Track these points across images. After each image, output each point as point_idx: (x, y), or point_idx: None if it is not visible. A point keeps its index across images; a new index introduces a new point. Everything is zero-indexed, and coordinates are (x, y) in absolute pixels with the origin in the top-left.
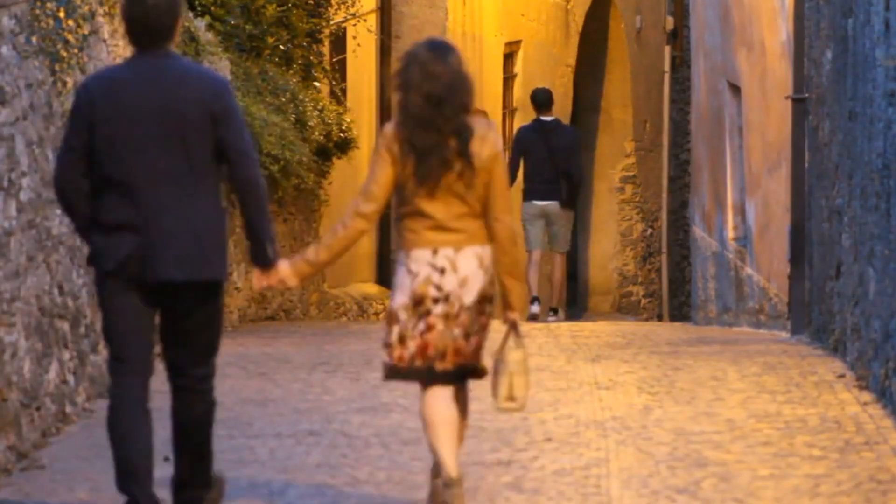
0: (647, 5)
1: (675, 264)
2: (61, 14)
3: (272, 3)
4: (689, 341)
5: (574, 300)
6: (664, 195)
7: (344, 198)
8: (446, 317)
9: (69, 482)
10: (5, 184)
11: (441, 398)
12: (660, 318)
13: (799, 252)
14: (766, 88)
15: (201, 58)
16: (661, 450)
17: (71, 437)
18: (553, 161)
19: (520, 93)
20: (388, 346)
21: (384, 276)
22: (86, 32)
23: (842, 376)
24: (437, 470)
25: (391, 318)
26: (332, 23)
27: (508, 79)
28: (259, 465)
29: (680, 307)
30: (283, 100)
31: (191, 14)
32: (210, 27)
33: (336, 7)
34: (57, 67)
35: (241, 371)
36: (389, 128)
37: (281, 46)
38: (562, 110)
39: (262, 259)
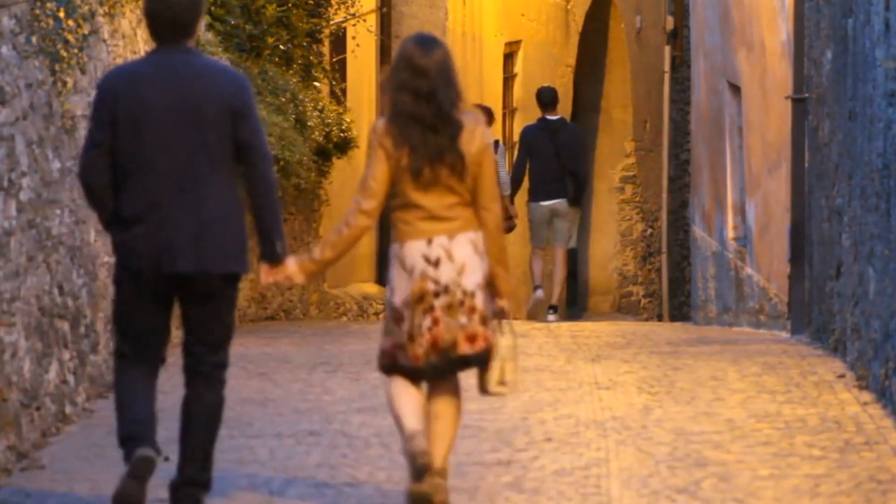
0: (647, 5)
1: (675, 264)
2: (61, 14)
3: (272, 3)
4: (689, 341)
5: (574, 300)
6: (664, 195)
7: (344, 198)
8: (449, 307)
9: (69, 482)
10: (5, 184)
11: (445, 390)
12: (660, 318)
13: (799, 252)
14: (766, 88)
15: None
16: (661, 450)
17: (71, 437)
18: (559, 160)
19: (520, 93)
20: (399, 346)
21: (384, 276)
22: (86, 32)
23: (842, 376)
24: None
25: (397, 317)
26: (332, 23)
27: (508, 79)
28: (259, 465)
29: (680, 307)
30: (283, 100)
31: None
32: (210, 27)
33: (336, 7)
34: (57, 67)
35: (241, 371)
36: (381, 123)
37: (281, 46)
38: (562, 110)
39: (270, 255)
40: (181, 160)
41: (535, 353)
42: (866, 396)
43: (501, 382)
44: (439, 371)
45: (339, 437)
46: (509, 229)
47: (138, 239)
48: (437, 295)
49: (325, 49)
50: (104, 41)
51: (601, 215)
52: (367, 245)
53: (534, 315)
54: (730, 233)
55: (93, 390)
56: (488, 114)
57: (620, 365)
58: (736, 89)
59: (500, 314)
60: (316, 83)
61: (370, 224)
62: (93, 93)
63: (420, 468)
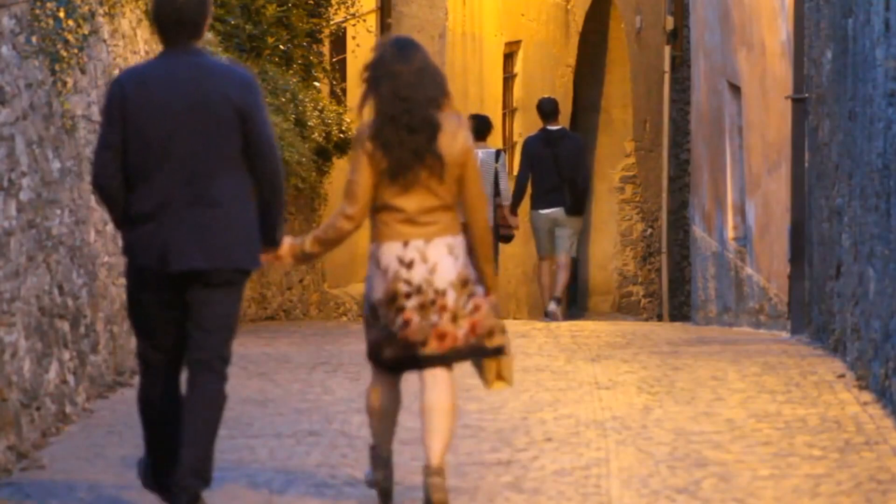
0: (647, 5)
1: (675, 264)
2: (61, 14)
3: (272, 3)
4: (689, 341)
5: (574, 300)
6: (664, 195)
7: None
8: (421, 307)
9: (69, 482)
10: (5, 184)
11: (436, 384)
12: (660, 318)
13: (799, 252)
14: (766, 88)
15: None
16: (661, 450)
17: (71, 437)
18: (559, 169)
19: (520, 93)
20: (381, 340)
21: None
22: (86, 32)
23: (842, 376)
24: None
25: (374, 315)
26: (332, 23)
27: (508, 79)
28: (259, 465)
29: (680, 307)
30: (283, 100)
31: None
32: (210, 27)
33: (336, 7)
34: (57, 67)
35: (241, 371)
36: (363, 127)
37: (281, 46)
38: (562, 110)
39: (269, 240)
40: (191, 159)
41: (535, 353)
42: (866, 396)
43: (500, 378)
44: (412, 366)
45: (339, 437)
46: (508, 238)
47: (148, 237)
48: (408, 296)
49: (325, 49)
50: (104, 41)
51: (601, 215)
52: (367, 245)
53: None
54: (730, 233)
55: (93, 390)
56: (486, 123)
57: (620, 365)
58: (736, 89)
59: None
60: (316, 83)
61: (354, 227)
62: (93, 93)
63: (374, 485)
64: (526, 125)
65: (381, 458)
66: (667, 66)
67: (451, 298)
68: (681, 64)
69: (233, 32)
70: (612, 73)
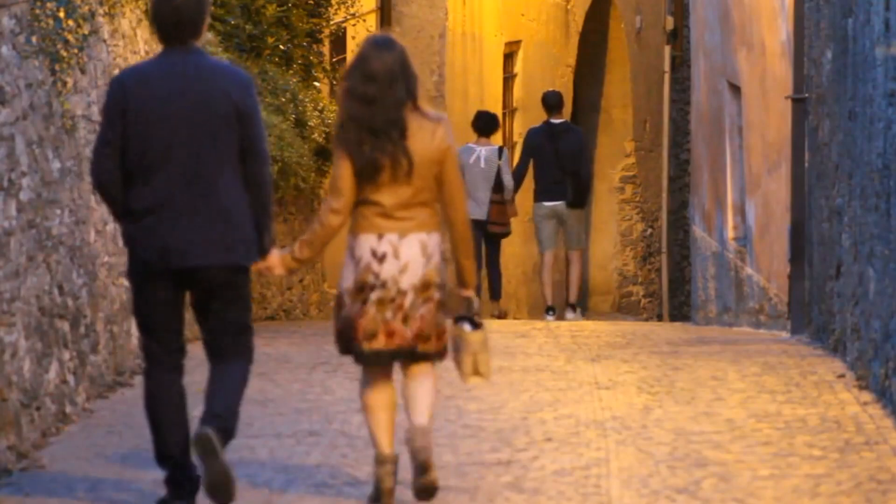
0: (647, 5)
1: (675, 264)
2: (61, 14)
3: (272, 3)
4: (689, 341)
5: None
6: (664, 195)
7: None
8: (380, 301)
9: (69, 482)
10: (5, 184)
11: (377, 381)
12: (660, 318)
13: (799, 252)
14: (766, 88)
15: None
16: (661, 450)
17: (71, 437)
18: (561, 162)
19: (520, 93)
20: (343, 326)
21: None
22: (86, 32)
23: (842, 376)
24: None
25: (339, 302)
26: (332, 23)
27: (508, 79)
28: (259, 465)
29: (680, 307)
30: (283, 100)
31: None
32: (210, 27)
33: (336, 7)
34: (57, 67)
35: None
36: (337, 125)
37: (281, 46)
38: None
39: (258, 247)
40: (189, 157)
41: (535, 353)
42: (866, 396)
43: (476, 373)
44: (370, 358)
45: (339, 437)
46: (503, 235)
47: (148, 233)
48: (373, 288)
49: (325, 49)
50: (104, 41)
51: (601, 215)
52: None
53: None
54: (730, 233)
55: (93, 390)
56: (494, 120)
57: (620, 365)
58: (736, 89)
59: (469, 301)
60: (316, 83)
61: (341, 221)
62: (93, 93)
63: (379, 493)
64: (526, 125)
65: (381, 456)
66: (667, 66)
67: (408, 300)
68: (681, 64)
69: (233, 32)
70: (612, 73)
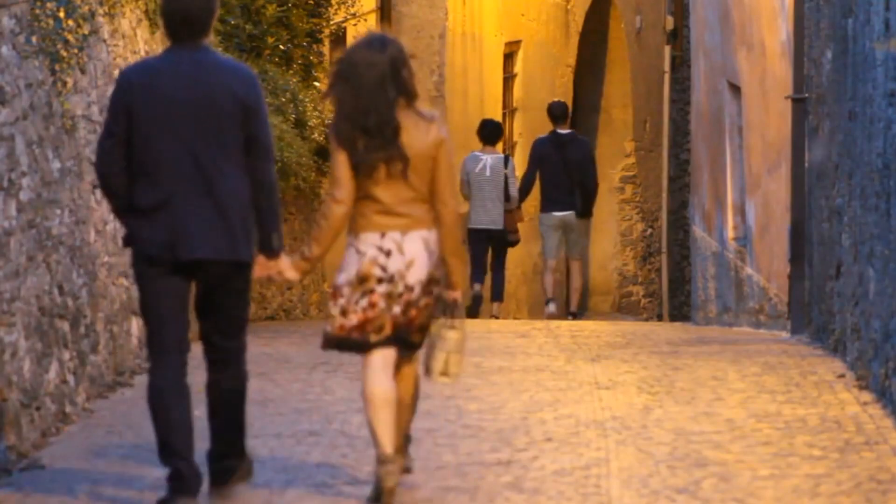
0: (647, 5)
1: (675, 264)
2: (61, 14)
3: (272, 3)
4: (689, 341)
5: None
6: (664, 195)
7: None
8: (389, 296)
9: (69, 482)
10: (5, 184)
11: (378, 372)
12: (660, 318)
13: (799, 252)
14: (766, 88)
15: None
16: (661, 450)
17: (71, 437)
18: (569, 172)
19: (520, 93)
20: (329, 317)
21: None
22: (86, 32)
23: (842, 376)
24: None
25: (335, 294)
26: (332, 23)
27: (508, 79)
28: (259, 465)
29: (680, 307)
30: (283, 100)
31: None
32: None
33: (336, 7)
34: (57, 67)
35: None
36: (332, 122)
37: (281, 46)
38: None
39: (266, 248)
40: (195, 152)
41: (535, 353)
42: (866, 396)
43: (444, 373)
44: (354, 347)
45: (339, 437)
46: (514, 242)
47: (154, 227)
48: (380, 281)
49: (325, 49)
50: (104, 41)
51: (601, 215)
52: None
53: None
54: (730, 233)
55: (93, 390)
56: (498, 129)
57: (620, 365)
58: (736, 89)
59: (453, 305)
60: (316, 83)
61: (346, 212)
62: (93, 93)
63: (380, 492)
64: (526, 125)
65: (385, 493)
66: (667, 66)
67: (415, 294)
68: (681, 64)
69: (233, 32)
70: (612, 73)
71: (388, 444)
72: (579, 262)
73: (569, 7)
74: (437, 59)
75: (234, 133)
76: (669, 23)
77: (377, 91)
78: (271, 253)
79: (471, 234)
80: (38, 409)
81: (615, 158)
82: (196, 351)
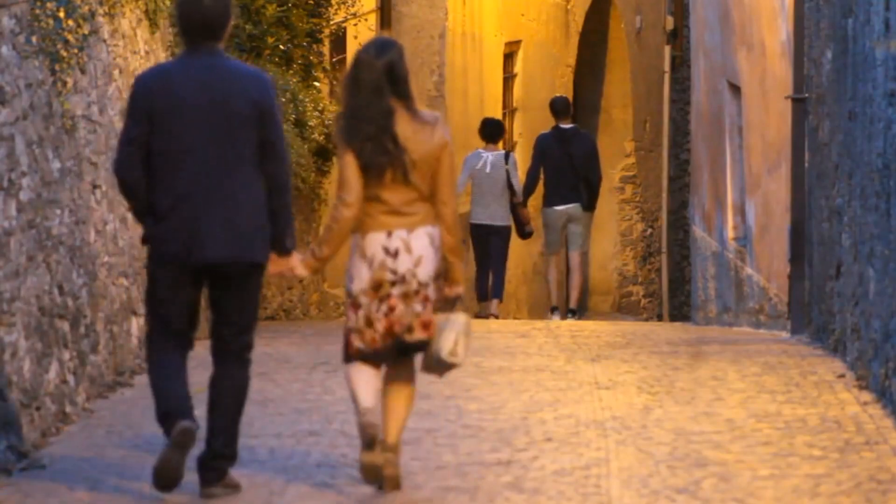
0: (647, 5)
1: (675, 264)
2: (61, 14)
3: (272, 3)
4: (689, 341)
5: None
6: (664, 195)
7: None
8: (405, 296)
9: (69, 482)
10: (5, 184)
11: (404, 369)
12: (660, 318)
13: (799, 252)
14: (766, 88)
15: None
16: (661, 450)
17: (71, 437)
18: (573, 167)
19: (520, 93)
20: (356, 330)
21: None
22: (86, 32)
23: (842, 376)
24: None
25: (354, 304)
26: (332, 23)
27: (508, 79)
28: (259, 465)
29: (680, 307)
30: (283, 100)
31: None
32: None
33: (336, 7)
34: (57, 67)
35: None
36: (338, 126)
37: (281, 46)
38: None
39: (279, 246)
40: (212, 155)
41: (535, 353)
42: (866, 396)
43: (453, 353)
44: (393, 354)
45: (339, 437)
46: (528, 234)
47: (171, 229)
48: (393, 284)
49: (325, 49)
50: (104, 41)
51: (601, 215)
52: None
53: None
54: (730, 233)
55: (93, 390)
56: (499, 127)
57: (620, 365)
58: (736, 89)
59: (456, 300)
60: (316, 83)
61: (354, 213)
62: (93, 93)
63: (370, 439)
64: (526, 125)
65: (373, 439)
66: (667, 66)
67: (431, 290)
68: (681, 64)
69: (233, 32)
70: (612, 73)
71: (367, 399)
72: (580, 257)
73: (569, 7)
74: (437, 59)
75: (249, 136)
76: (669, 23)
77: (375, 97)
78: (284, 252)
79: (471, 230)
80: (38, 409)
81: (615, 158)
82: (198, 351)
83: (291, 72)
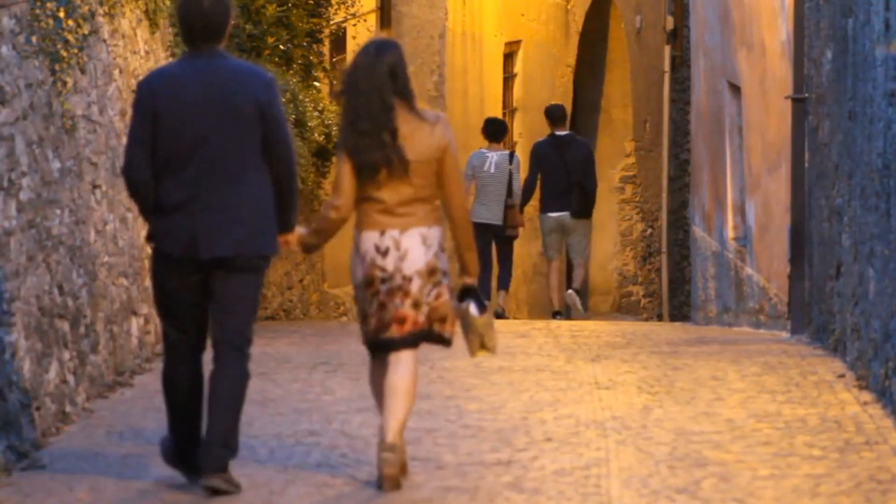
0: (647, 5)
1: (675, 264)
2: (61, 14)
3: (272, 3)
4: (689, 341)
5: None
6: (664, 195)
7: None
8: (390, 292)
9: (69, 482)
10: (5, 184)
11: (398, 366)
12: (660, 318)
13: (799, 252)
14: (766, 88)
15: None
16: (661, 450)
17: (71, 437)
18: (568, 173)
19: (520, 93)
20: (362, 320)
21: None
22: (86, 32)
23: (842, 376)
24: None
25: (356, 296)
26: (332, 23)
27: (508, 79)
28: (259, 465)
29: (680, 307)
30: (283, 100)
31: None
32: None
33: (336, 7)
34: (57, 67)
35: None
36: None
37: (281, 46)
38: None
39: (283, 225)
40: (216, 153)
41: (535, 353)
42: (866, 396)
43: (483, 348)
44: (383, 347)
45: (339, 437)
46: (510, 236)
47: (178, 226)
48: (383, 281)
49: (325, 49)
50: (104, 41)
51: (601, 215)
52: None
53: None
54: (730, 233)
55: (93, 390)
56: (502, 127)
57: (620, 365)
58: (736, 89)
59: (471, 290)
60: (316, 83)
61: (342, 217)
62: (93, 93)
63: (382, 479)
64: (526, 125)
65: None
66: (667, 66)
67: (415, 286)
68: (681, 64)
69: (233, 32)
70: (612, 73)
71: (394, 432)
72: (582, 264)
73: (569, 7)
74: (437, 59)
75: (253, 134)
76: (669, 23)
77: (375, 97)
78: (288, 230)
79: (474, 229)
80: (38, 409)
81: (615, 158)
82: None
83: (291, 72)
